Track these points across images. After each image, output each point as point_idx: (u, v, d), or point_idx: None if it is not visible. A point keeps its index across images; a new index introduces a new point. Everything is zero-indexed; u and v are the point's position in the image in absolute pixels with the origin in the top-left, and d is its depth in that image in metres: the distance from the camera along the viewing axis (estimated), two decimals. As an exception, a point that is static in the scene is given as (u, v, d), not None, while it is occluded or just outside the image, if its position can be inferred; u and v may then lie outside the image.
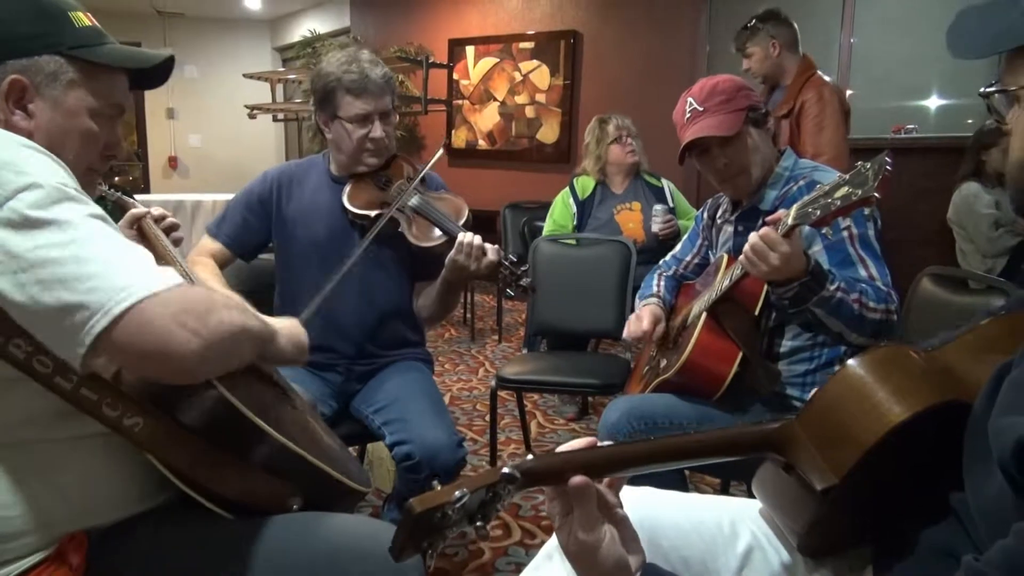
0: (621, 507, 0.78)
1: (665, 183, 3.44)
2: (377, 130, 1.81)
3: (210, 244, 1.90)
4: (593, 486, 0.72)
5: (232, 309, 0.93)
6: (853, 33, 4.52)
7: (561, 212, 3.43)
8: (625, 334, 1.89)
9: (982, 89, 0.79)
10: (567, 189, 3.46)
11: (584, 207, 3.39)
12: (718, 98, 1.66)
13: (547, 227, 3.46)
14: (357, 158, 1.86)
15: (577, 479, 0.72)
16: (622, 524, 0.76)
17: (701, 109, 1.67)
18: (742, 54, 3.19)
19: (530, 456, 0.74)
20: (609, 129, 3.39)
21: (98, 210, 0.88)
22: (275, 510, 1.03)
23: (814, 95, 2.93)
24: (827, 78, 3.05)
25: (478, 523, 0.70)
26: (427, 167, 1.91)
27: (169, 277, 0.87)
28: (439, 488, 0.68)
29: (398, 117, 1.99)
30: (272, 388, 1.23)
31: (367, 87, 1.78)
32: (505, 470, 0.70)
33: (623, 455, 0.79)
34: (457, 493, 0.66)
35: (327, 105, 1.83)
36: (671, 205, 3.34)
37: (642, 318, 1.87)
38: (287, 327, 1.23)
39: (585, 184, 3.44)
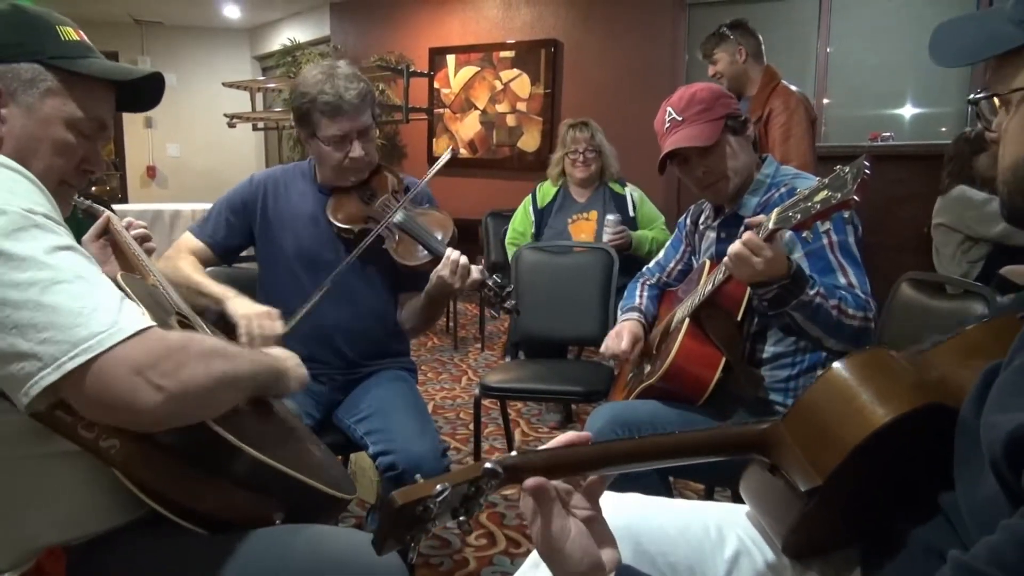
0: (593, 507, 0.78)
1: (629, 191, 3.36)
2: (356, 150, 1.79)
3: (191, 242, 1.89)
4: (549, 485, 0.73)
5: (215, 358, 0.90)
6: (829, 43, 4.59)
7: (521, 220, 3.45)
8: (603, 348, 1.90)
9: (971, 96, 0.81)
10: (529, 197, 3.47)
11: (542, 216, 3.39)
12: (696, 107, 1.67)
13: (508, 235, 3.47)
14: (338, 175, 1.86)
15: (530, 481, 0.73)
16: (593, 523, 0.77)
17: (680, 119, 1.68)
18: (708, 60, 3.21)
19: (513, 452, 0.75)
20: (567, 140, 3.34)
21: (65, 240, 0.85)
22: (259, 525, 1.02)
23: (781, 103, 2.98)
24: (793, 87, 3.10)
25: (460, 518, 0.72)
26: (432, 170, 1.88)
27: (134, 322, 0.83)
28: (422, 482, 0.68)
29: (378, 130, 1.98)
30: (251, 401, 1.21)
31: (342, 108, 1.73)
32: (488, 465, 0.71)
33: (608, 453, 0.79)
34: (439, 487, 0.67)
35: (305, 124, 1.81)
36: (631, 214, 3.29)
37: (622, 336, 1.86)
38: (294, 364, 1.24)
39: (546, 192, 3.44)
